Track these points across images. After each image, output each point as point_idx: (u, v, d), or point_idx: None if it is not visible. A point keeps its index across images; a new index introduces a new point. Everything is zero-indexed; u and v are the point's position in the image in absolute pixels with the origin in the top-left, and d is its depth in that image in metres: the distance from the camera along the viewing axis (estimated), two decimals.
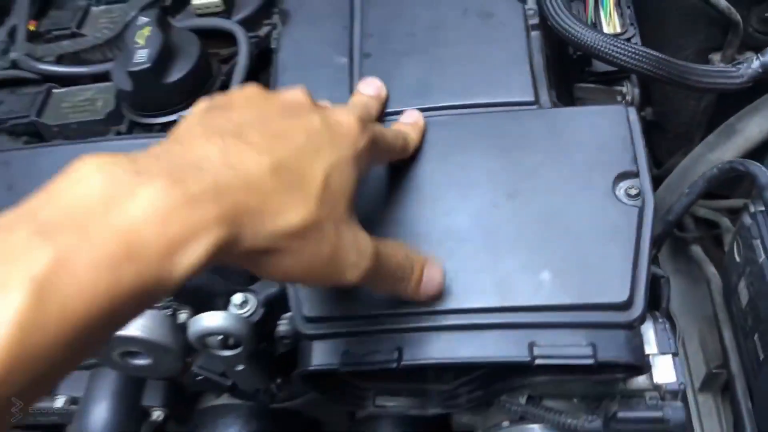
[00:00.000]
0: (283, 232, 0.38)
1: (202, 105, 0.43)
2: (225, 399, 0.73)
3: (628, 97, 0.64)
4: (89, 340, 0.30)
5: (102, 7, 0.78)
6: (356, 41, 0.62)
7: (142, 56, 0.61)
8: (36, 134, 0.68)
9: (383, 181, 0.55)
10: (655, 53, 0.57)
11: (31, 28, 0.75)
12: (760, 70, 0.58)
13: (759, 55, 0.58)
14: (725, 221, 0.79)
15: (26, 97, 0.69)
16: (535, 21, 0.61)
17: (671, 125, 0.77)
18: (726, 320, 0.72)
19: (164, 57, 0.62)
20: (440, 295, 0.49)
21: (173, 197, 0.32)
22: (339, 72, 0.61)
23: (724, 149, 0.66)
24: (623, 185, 0.52)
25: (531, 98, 0.56)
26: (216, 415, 0.71)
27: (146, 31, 0.63)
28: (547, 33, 0.62)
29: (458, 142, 0.55)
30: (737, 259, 0.64)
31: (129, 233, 0.30)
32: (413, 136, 0.54)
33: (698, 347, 0.85)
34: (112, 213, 0.31)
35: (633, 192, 0.52)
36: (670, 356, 0.54)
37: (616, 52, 0.57)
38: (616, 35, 0.62)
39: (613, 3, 0.62)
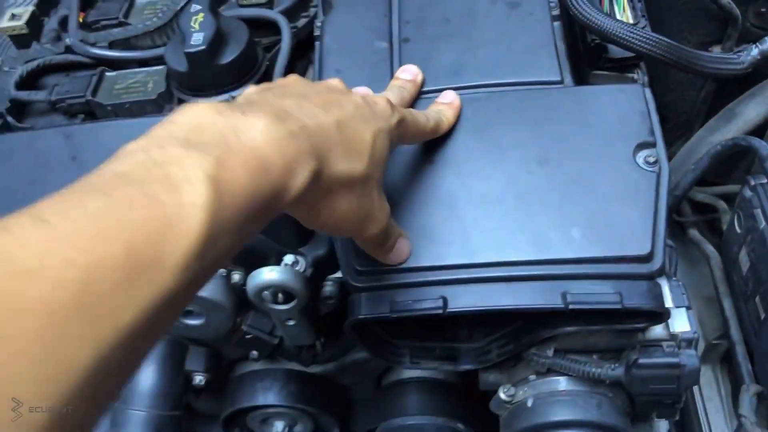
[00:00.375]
0: (345, 177, 0.44)
1: (255, 87, 0.49)
2: (261, 365, 0.77)
3: (640, 83, 0.70)
4: (246, 230, 0.36)
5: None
6: (395, 27, 0.67)
7: (198, 39, 0.66)
8: (90, 113, 0.73)
9: (423, 152, 0.60)
10: (667, 40, 0.63)
11: (79, 19, 0.80)
12: (759, 57, 0.65)
13: (758, 43, 0.65)
14: (722, 204, 0.86)
15: (81, 80, 0.74)
16: (557, 12, 0.67)
17: (672, 114, 0.84)
18: (726, 292, 0.78)
19: (217, 40, 0.67)
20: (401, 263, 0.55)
21: (280, 130, 0.39)
22: (380, 55, 0.66)
23: (724, 132, 0.72)
24: (642, 154, 0.58)
25: (557, 78, 0.62)
26: (255, 378, 0.75)
27: (200, 17, 0.69)
28: (567, 23, 0.68)
29: (491, 116, 0.61)
30: (738, 230, 0.70)
31: (259, 151, 0.37)
32: (448, 114, 0.60)
33: (697, 325, 0.91)
34: (240, 136, 0.37)
35: (651, 159, 0.58)
36: (684, 309, 0.59)
37: (634, 38, 0.63)
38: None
39: None
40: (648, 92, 0.61)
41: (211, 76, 0.69)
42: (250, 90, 0.48)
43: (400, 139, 0.53)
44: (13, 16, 0.79)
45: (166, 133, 0.36)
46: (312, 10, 0.78)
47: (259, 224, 0.38)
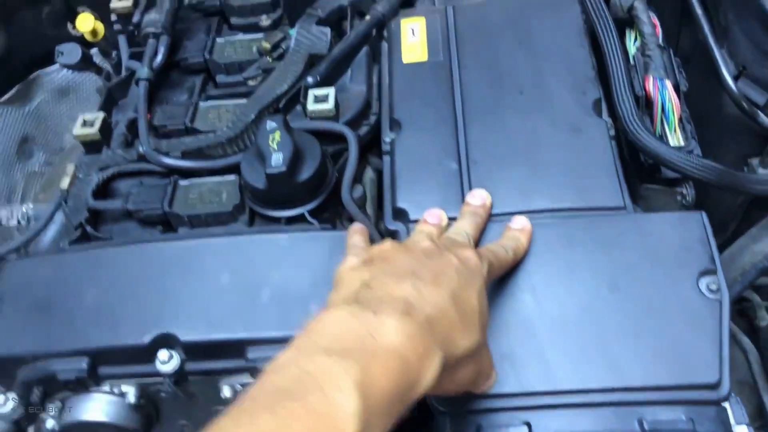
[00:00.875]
0: (465, 353, 0.49)
1: (353, 260, 0.54)
2: None
3: (688, 198, 0.75)
4: (385, 423, 0.40)
5: (209, 103, 0.87)
6: (462, 148, 0.71)
7: (278, 160, 0.70)
8: (166, 223, 0.76)
9: (500, 277, 0.64)
10: (717, 166, 0.68)
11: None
12: None
13: None
14: (756, 297, 0.91)
15: (156, 189, 0.77)
16: (612, 133, 0.72)
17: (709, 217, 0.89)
18: (765, 387, 0.82)
19: (295, 160, 0.71)
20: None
21: (411, 326, 0.44)
22: (451, 176, 0.70)
23: (766, 242, 0.77)
24: (704, 281, 0.62)
25: (621, 203, 0.67)
26: None
27: (277, 136, 0.72)
28: (622, 142, 0.73)
29: (562, 242, 0.65)
30: None
31: (396, 351, 0.41)
32: (523, 241, 0.64)
33: None
34: (377, 338, 0.42)
35: (714, 287, 0.62)
36: (745, 426, 0.63)
37: (688, 165, 0.68)
38: (680, 148, 0.73)
39: (677, 118, 0.74)
40: (706, 219, 0.65)
41: (288, 194, 0.72)
42: (359, 269, 0.52)
43: (489, 280, 0.57)
44: (86, 123, 0.82)
45: (310, 344, 0.42)
46: (372, 118, 0.82)
47: (394, 416, 0.41)
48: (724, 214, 0.87)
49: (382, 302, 0.45)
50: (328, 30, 0.87)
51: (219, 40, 0.96)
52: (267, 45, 0.89)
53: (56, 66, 1.13)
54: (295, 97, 0.83)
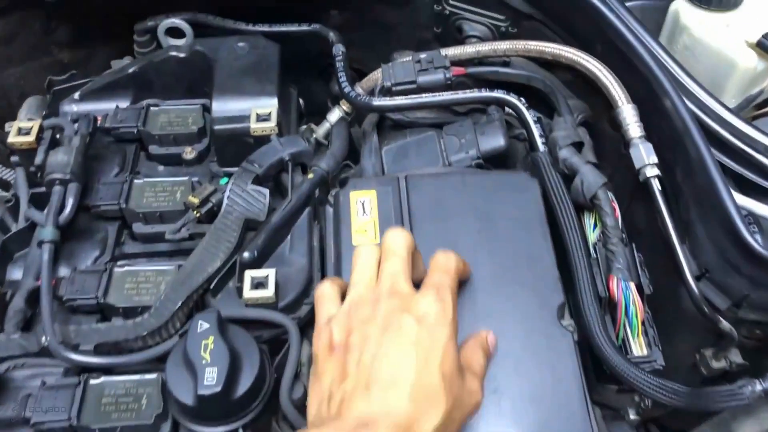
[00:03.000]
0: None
1: (325, 337, 0.59)
2: None
3: (647, 402, 0.73)
4: None
5: (126, 268, 0.77)
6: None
7: (211, 378, 0.62)
8: None
9: None
10: (679, 387, 0.66)
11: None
12: (762, 394, 0.69)
13: (760, 379, 0.69)
14: None
15: (62, 393, 0.66)
16: (576, 338, 0.68)
17: None
18: None
19: (232, 374, 0.63)
20: None
21: None
22: None
23: None
24: None
25: None
26: None
27: (210, 342, 0.64)
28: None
29: None
30: None
31: None
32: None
33: None
34: None
35: None
36: None
37: (651, 388, 0.66)
38: (644, 360, 0.71)
39: (640, 322, 0.71)
40: None
41: (221, 411, 0.64)
42: (331, 362, 0.57)
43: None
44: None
45: None
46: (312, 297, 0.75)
47: None
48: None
49: (351, 426, 0.51)
50: (266, 192, 0.79)
51: (137, 181, 0.86)
52: (195, 200, 0.80)
53: None
54: (229, 271, 0.75)
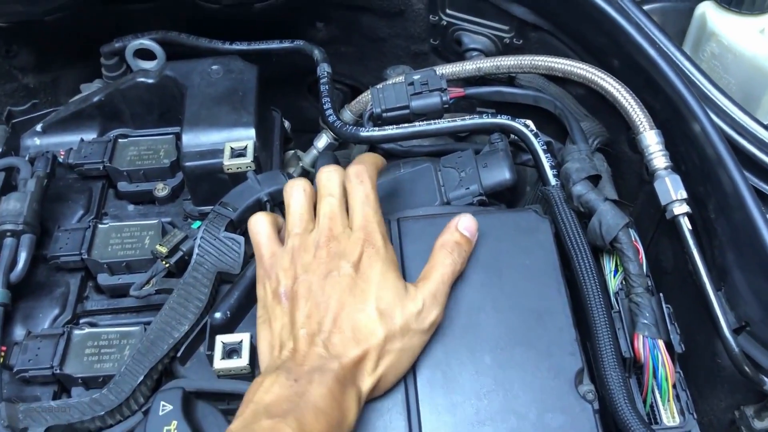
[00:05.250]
0: (376, 383, 0.59)
1: (273, 285, 0.63)
2: None
3: None
4: None
5: (87, 331, 0.70)
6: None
7: None
8: None
9: None
10: None
11: None
12: None
13: None
14: None
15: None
16: (597, 407, 0.60)
17: None
18: None
19: None
20: None
21: (326, 387, 0.55)
22: None
23: None
24: None
25: None
26: None
27: (173, 429, 0.56)
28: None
29: None
30: None
31: (321, 409, 0.53)
32: None
33: None
34: (306, 400, 0.53)
35: None
36: None
37: None
38: (675, 427, 0.62)
39: (671, 386, 0.62)
40: None
41: None
42: (280, 309, 0.61)
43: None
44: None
45: (254, 412, 0.52)
46: None
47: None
48: None
49: (304, 371, 0.55)
50: (241, 240, 0.71)
51: (102, 226, 0.78)
52: (163, 249, 0.72)
53: None
54: (200, 334, 0.66)
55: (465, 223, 0.65)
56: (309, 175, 0.93)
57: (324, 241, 0.62)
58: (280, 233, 0.67)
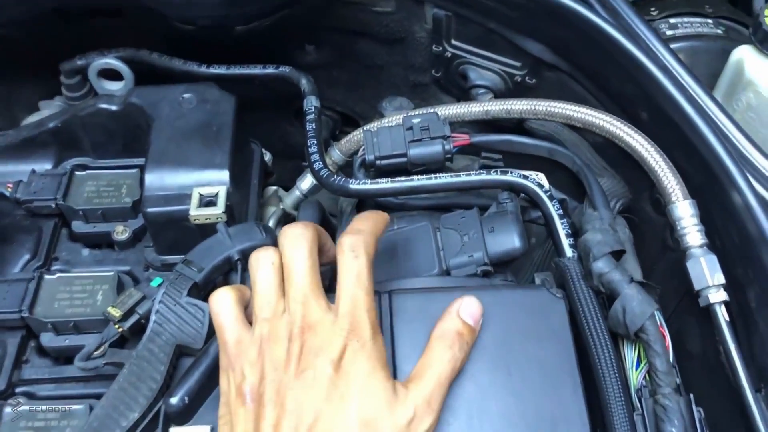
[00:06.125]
0: None
1: (235, 382, 0.52)
2: None
3: None
4: None
5: (25, 407, 0.60)
6: None
7: None
8: None
9: None
10: None
11: None
12: None
13: None
14: None
15: None
16: None
17: None
18: None
19: None
20: None
21: None
22: None
23: None
24: None
25: None
26: None
27: None
28: None
29: None
30: None
31: None
32: None
33: None
34: None
35: None
36: None
37: None
38: None
39: None
40: None
41: None
42: (245, 414, 0.50)
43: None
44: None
45: None
46: None
47: None
48: None
49: None
50: (206, 308, 0.61)
51: (48, 277, 0.68)
52: (116, 312, 0.63)
53: None
54: (153, 422, 0.57)
55: (468, 309, 0.55)
56: (290, 218, 0.83)
57: (297, 332, 0.52)
58: (246, 310, 0.57)
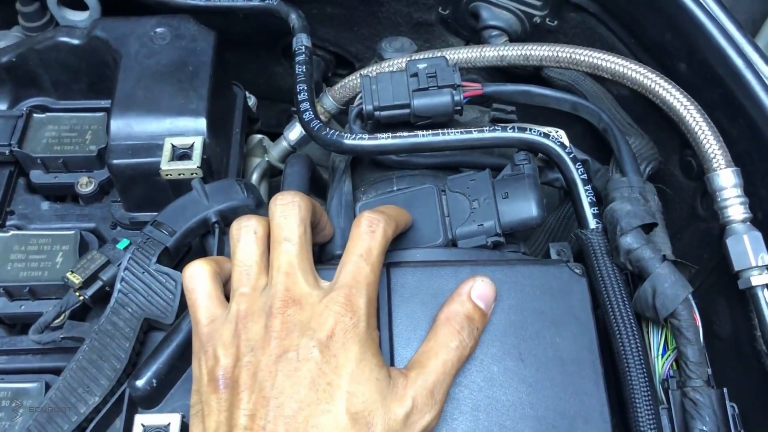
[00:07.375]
0: None
1: (211, 364, 0.45)
2: None
3: None
4: None
5: None
6: None
7: None
8: None
9: None
10: None
11: None
12: None
13: None
14: None
15: None
16: None
17: None
18: None
19: None
20: None
21: None
22: None
23: None
24: None
25: None
26: None
27: None
28: None
29: None
30: None
31: None
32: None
33: None
34: None
35: None
36: None
37: None
38: None
39: None
40: None
41: None
42: (222, 399, 0.44)
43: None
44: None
45: None
46: None
47: None
48: None
49: None
50: (178, 277, 0.54)
51: (2, 234, 0.61)
52: (76, 279, 0.55)
53: None
54: (114, 408, 0.51)
55: (480, 290, 0.49)
56: (276, 171, 0.75)
57: (279, 305, 0.45)
58: (226, 286, 0.50)
